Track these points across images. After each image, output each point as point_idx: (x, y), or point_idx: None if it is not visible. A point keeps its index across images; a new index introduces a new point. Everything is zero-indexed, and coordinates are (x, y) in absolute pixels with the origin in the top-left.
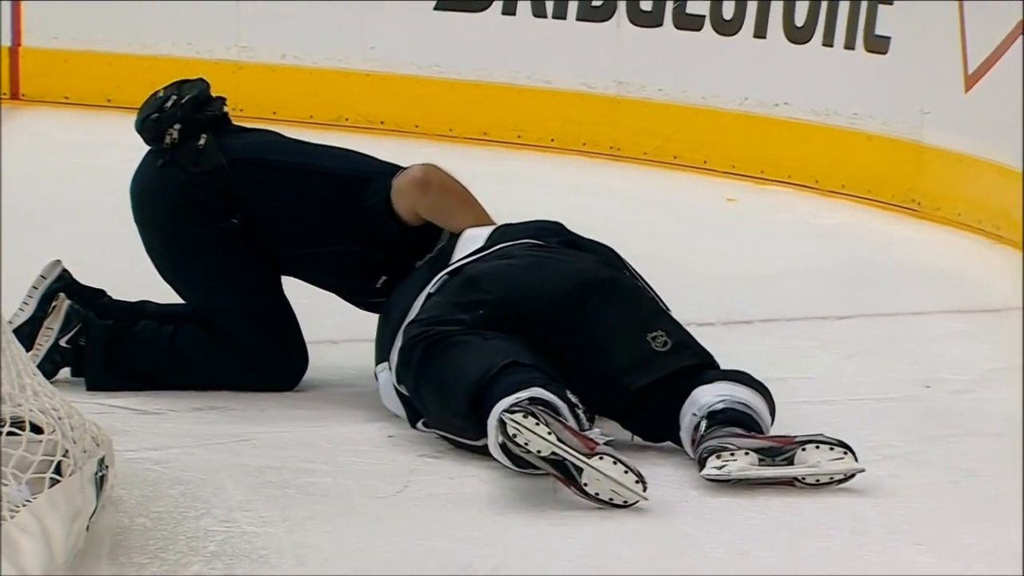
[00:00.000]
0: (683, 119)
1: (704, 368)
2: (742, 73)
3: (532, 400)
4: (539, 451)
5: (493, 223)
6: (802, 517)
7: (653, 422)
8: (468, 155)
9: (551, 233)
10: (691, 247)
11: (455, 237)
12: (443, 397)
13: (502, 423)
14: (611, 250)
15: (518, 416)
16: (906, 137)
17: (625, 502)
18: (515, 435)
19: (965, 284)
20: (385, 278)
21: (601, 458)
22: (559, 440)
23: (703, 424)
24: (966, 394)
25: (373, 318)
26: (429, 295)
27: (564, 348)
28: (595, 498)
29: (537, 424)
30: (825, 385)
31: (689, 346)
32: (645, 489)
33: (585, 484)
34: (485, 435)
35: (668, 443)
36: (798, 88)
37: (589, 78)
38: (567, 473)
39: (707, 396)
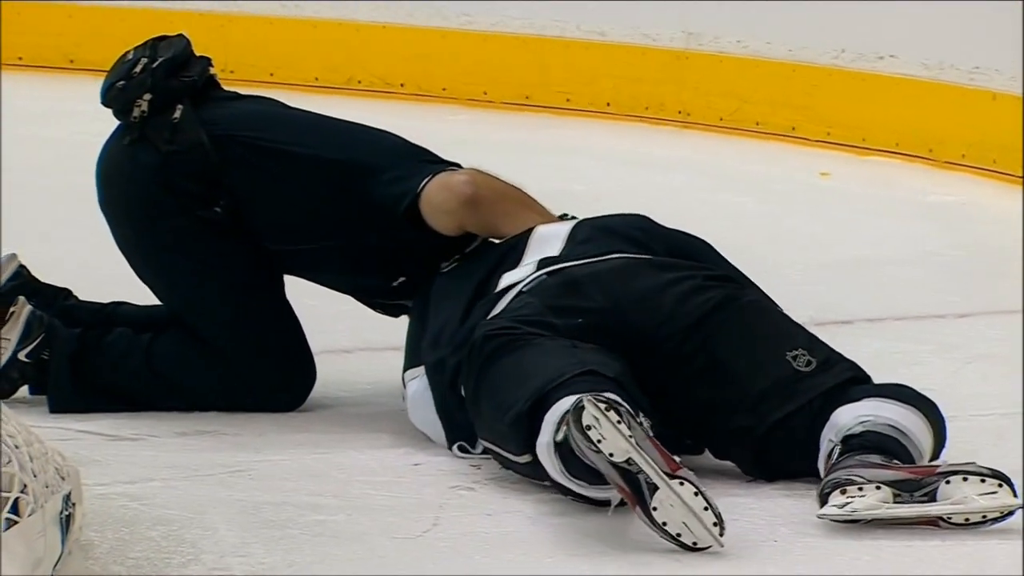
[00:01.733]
0: (766, 77)
1: (855, 384)
2: (838, 19)
3: (609, 401)
4: (611, 454)
5: (554, 218)
6: (915, 559)
7: (788, 455)
8: (506, 123)
9: (643, 231)
10: (777, 231)
11: (525, 234)
12: (500, 396)
13: (578, 411)
14: (713, 248)
15: (602, 407)
16: None
17: (695, 543)
18: (590, 427)
19: None
20: (403, 279)
21: (682, 483)
22: (639, 446)
23: (836, 451)
24: None
25: (395, 323)
26: (520, 293)
27: (679, 374)
28: (660, 527)
29: (619, 422)
30: (942, 397)
31: (837, 362)
32: (723, 534)
33: (655, 508)
34: (529, 450)
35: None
36: (906, 37)
37: (651, 28)
38: (637, 489)
39: (846, 417)
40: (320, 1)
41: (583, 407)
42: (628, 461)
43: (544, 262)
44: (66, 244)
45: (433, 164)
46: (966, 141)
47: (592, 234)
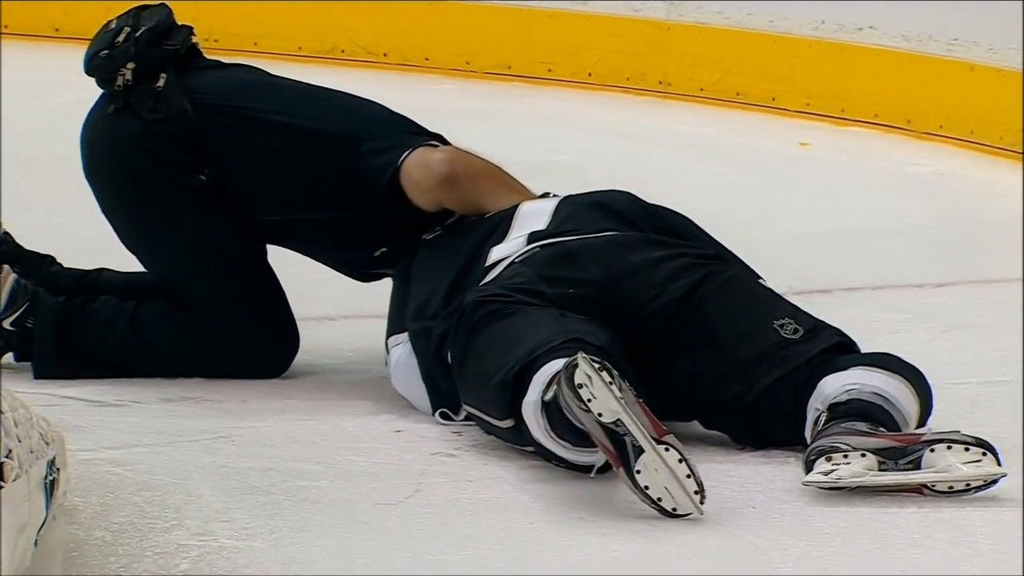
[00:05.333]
0: (747, 47)
1: (842, 353)
2: None
3: (603, 362)
4: (600, 414)
5: (534, 195)
6: (892, 525)
7: (777, 422)
8: (488, 93)
9: (629, 208)
10: (757, 202)
11: (510, 210)
12: (487, 361)
13: (571, 369)
14: (696, 224)
15: (596, 366)
16: (1017, 67)
17: (674, 509)
18: (581, 386)
19: None
20: (384, 249)
21: (668, 449)
22: (628, 408)
23: (822, 419)
24: None
25: (377, 290)
26: (512, 263)
27: (668, 346)
28: (641, 490)
29: (611, 383)
30: (920, 366)
31: (823, 329)
32: (703, 502)
33: (638, 471)
34: (512, 415)
35: (725, 438)
36: (885, 9)
37: None
38: (622, 451)
39: (833, 385)
40: None
41: (576, 364)
42: (616, 422)
43: (534, 235)
44: (50, 212)
45: (415, 136)
46: (944, 112)
47: (578, 210)
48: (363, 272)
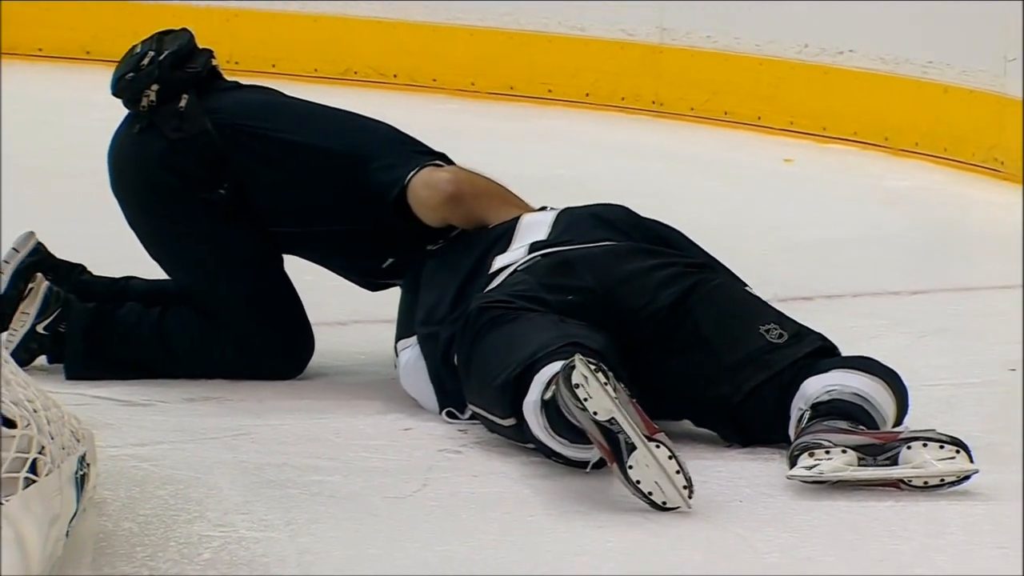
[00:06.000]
0: (734, 70)
1: (824, 356)
2: (801, 17)
3: (598, 364)
4: (595, 413)
5: (533, 209)
6: (871, 517)
7: (762, 422)
8: (492, 112)
9: (624, 220)
10: (743, 214)
11: (512, 222)
12: (490, 364)
13: (568, 370)
14: (687, 237)
15: (591, 368)
16: (987, 88)
17: (664, 503)
18: (578, 386)
19: None
20: (392, 260)
21: (658, 446)
22: (622, 407)
23: (805, 417)
24: None
25: (387, 298)
26: (515, 271)
27: (661, 349)
28: (633, 485)
29: (606, 383)
30: (896, 369)
31: (807, 334)
32: (691, 497)
33: (630, 467)
34: (514, 414)
35: (714, 436)
36: (864, 33)
37: (628, 24)
38: (616, 447)
39: (815, 387)
40: None
41: (574, 366)
42: (611, 420)
43: (536, 245)
44: (81, 223)
45: (420, 155)
46: (920, 130)
47: (576, 221)
48: (372, 282)
